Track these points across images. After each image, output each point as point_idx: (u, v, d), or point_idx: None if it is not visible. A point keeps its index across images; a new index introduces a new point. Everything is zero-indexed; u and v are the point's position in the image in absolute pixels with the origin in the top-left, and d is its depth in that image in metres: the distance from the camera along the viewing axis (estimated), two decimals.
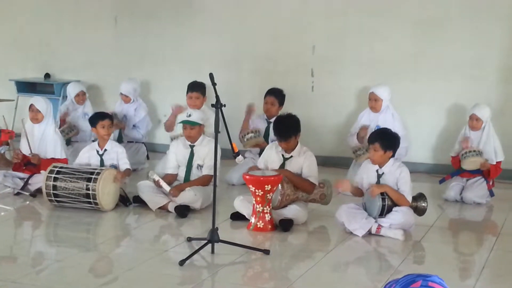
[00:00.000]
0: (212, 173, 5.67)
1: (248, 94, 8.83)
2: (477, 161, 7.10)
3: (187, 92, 8.06)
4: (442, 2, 8.33)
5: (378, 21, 8.50)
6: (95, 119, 7.07)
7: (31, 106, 7.22)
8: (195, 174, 6.74)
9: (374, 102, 7.66)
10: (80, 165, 6.85)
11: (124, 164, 6.94)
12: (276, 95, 7.97)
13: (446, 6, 8.29)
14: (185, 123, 6.70)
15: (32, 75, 9.94)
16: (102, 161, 6.94)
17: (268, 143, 7.25)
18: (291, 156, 6.34)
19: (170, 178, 6.76)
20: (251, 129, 7.77)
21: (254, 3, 9.05)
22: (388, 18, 8.47)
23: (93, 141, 7.73)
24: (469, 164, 7.13)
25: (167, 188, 6.52)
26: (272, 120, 7.78)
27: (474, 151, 7.12)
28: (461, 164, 7.19)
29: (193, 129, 6.68)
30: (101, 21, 9.62)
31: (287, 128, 6.30)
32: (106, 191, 6.51)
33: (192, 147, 6.75)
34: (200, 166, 6.72)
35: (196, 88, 8.02)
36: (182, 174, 6.78)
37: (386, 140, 6.08)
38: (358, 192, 6.22)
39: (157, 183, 6.53)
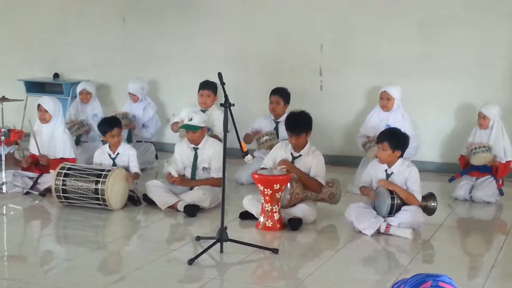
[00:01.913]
0: (220, 176, 5.66)
1: (256, 93, 8.83)
2: (486, 157, 7.09)
3: (198, 90, 8.10)
4: (449, 2, 8.31)
5: (385, 21, 8.48)
6: (103, 128, 7.04)
7: (39, 106, 7.22)
8: (201, 175, 6.73)
9: (386, 101, 7.59)
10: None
11: (134, 168, 6.94)
12: (280, 93, 7.94)
13: (453, 6, 8.26)
14: (186, 128, 6.68)
15: (41, 75, 9.96)
16: (114, 163, 6.95)
17: None
18: (300, 155, 6.34)
19: None
20: (266, 132, 7.73)
21: (261, 3, 9.04)
22: (395, 18, 8.45)
23: (102, 141, 7.73)
24: (479, 159, 7.12)
25: (175, 174, 6.56)
26: (280, 120, 7.79)
27: (484, 146, 7.11)
28: (470, 160, 7.17)
29: (195, 133, 6.65)
30: (109, 21, 9.63)
31: (299, 124, 6.32)
32: (115, 189, 6.52)
33: (196, 149, 6.73)
34: (206, 169, 6.71)
35: (207, 86, 8.07)
36: (188, 175, 6.77)
37: (395, 139, 6.06)
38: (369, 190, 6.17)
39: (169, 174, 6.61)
